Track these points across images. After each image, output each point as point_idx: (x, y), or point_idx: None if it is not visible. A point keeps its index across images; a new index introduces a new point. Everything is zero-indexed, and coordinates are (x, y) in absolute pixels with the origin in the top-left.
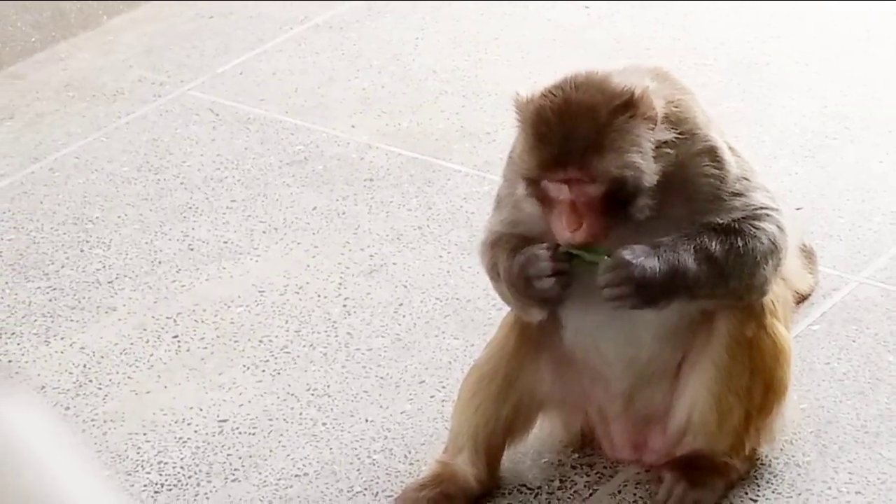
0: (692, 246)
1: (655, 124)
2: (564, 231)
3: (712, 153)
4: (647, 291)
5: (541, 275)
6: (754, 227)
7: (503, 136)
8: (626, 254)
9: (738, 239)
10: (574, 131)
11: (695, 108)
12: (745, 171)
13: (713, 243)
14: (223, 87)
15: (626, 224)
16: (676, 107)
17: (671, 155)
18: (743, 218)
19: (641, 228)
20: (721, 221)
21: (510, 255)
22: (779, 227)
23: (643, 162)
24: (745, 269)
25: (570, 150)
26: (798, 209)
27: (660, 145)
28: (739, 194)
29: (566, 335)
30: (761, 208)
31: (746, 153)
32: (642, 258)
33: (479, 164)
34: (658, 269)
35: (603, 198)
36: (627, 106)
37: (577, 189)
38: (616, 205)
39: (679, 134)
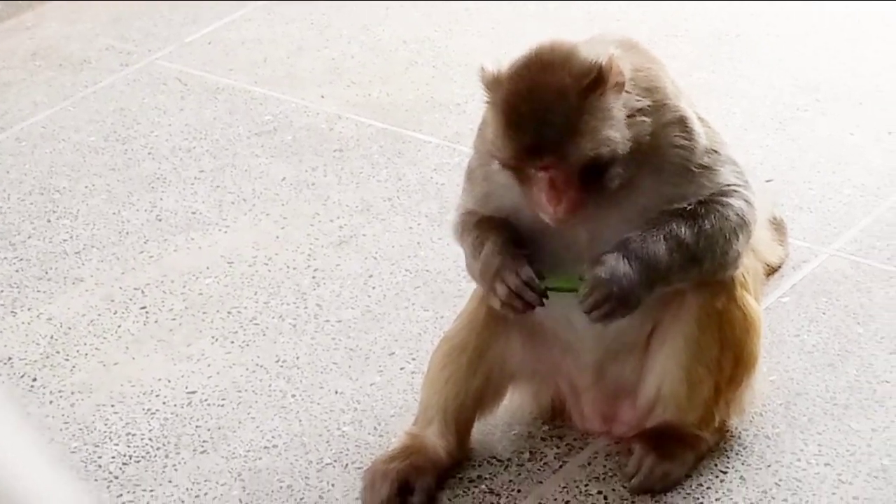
0: (661, 235)
1: (623, 90)
2: (546, 207)
3: (682, 124)
4: (629, 298)
5: (511, 304)
6: (721, 205)
7: (473, 107)
8: (601, 272)
9: (706, 220)
10: (546, 119)
11: (664, 78)
12: (714, 142)
13: (682, 229)
14: (191, 57)
15: (599, 193)
16: (646, 75)
17: (645, 123)
18: (710, 196)
19: (613, 200)
20: (688, 205)
21: (482, 239)
22: (746, 201)
23: (616, 134)
24: (716, 248)
25: (543, 139)
26: (768, 181)
27: (633, 113)
28: (708, 168)
29: (538, 312)
30: (728, 185)
31: (716, 125)
32: (617, 269)
33: (449, 135)
34: (634, 274)
35: (579, 173)
36: (596, 82)
37: (553, 171)
38: (592, 176)
39: (650, 103)
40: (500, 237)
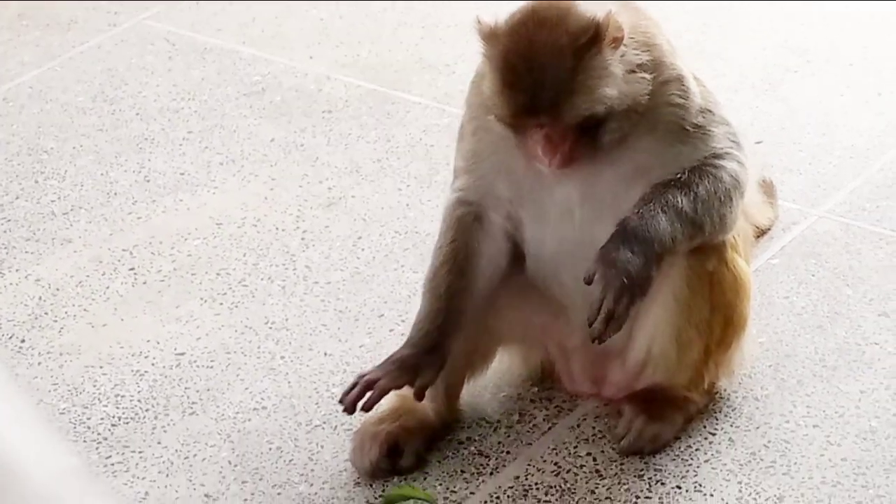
0: (658, 208)
1: (620, 45)
2: (543, 160)
3: (679, 82)
4: (643, 284)
5: (355, 391)
6: (714, 167)
7: (462, 68)
8: (607, 270)
9: (700, 186)
10: (543, 78)
11: (660, 36)
12: (708, 102)
13: (678, 198)
14: (179, 17)
15: (595, 147)
16: (644, 32)
17: (645, 80)
18: (704, 159)
19: (607, 156)
20: (680, 175)
21: (432, 288)
22: (739, 163)
23: (613, 91)
24: (713, 212)
25: (540, 98)
26: (758, 143)
27: (633, 69)
28: (701, 128)
29: (527, 266)
30: (721, 147)
31: (709, 84)
32: (622, 259)
33: (438, 96)
34: (639, 257)
35: (575, 129)
36: (594, 40)
37: (551, 127)
38: (588, 131)
39: (649, 59)
40: (432, 318)
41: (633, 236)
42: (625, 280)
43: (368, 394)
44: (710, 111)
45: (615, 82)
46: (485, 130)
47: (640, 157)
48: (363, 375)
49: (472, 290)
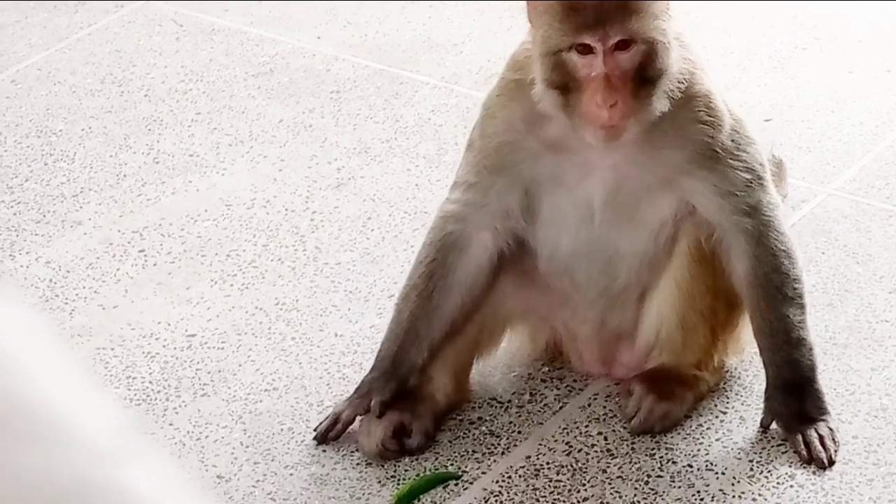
0: (783, 341)
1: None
2: (600, 110)
3: (707, 98)
4: (820, 402)
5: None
6: (770, 239)
7: (471, 48)
8: (794, 435)
9: (783, 283)
10: None
11: (694, 50)
12: (736, 121)
13: (784, 321)
14: None
15: (644, 114)
16: (679, 40)
17: (684, 66)
18: (755, 227)
19: (634, 161)
20: (752, 280)
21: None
22: (770, 193)
23: (670, 36)
24: (796, 271)
25: (608, 8)
26: (767, 120)
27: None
28: (731, 153)
29: (541, 264)
30: (753, 181)
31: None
32: (793, 407)
33: (446, 76)
34: (807, 400)
35: (634, 75)
36: None
37: (612, 61)
38: (643, 86)
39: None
40: (391, 341)
41: (791, 387)
42: (814, 428)
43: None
44: (737, 132)
45: (671, 28)
46: (509, 145)
47: (667, 170)
48: (336, 411)
49: (439, 314)
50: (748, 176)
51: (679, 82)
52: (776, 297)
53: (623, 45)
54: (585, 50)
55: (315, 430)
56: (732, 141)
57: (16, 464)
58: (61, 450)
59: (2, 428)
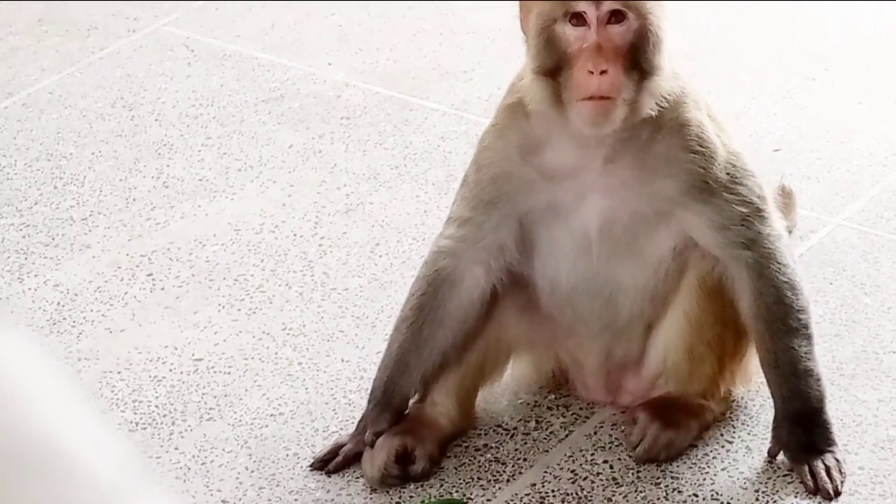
0: (791, 369)
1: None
2: (590, 78)
3: (699, 128)
4: (827, 430)
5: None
6: (772, 270)
7: (480, 75)
8: (801, 466)
9: (788, 310)
10: None
11: (689, 84)
12: (730, 153)
13: (790, 352)
14: (198, 23)
15: (637, 96)
16: (675, 70)
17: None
18: (757, 259)
19: (628, 188)
20: (758, 300)
21: (399, 340)
22: (771, 229)
23: (665, 28)
24: (802, 305)
25: None
26: (776, 150)
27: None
28: (726, 187)
29: (542, 297)
30: (751, 215)
31: (727, 93)
32: (802, 439)
33: (456, 103)
34: (814, 430)
35: (626, 54)
36: None
37: (605, 32)
38: (633, 73)
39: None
40: (381, 371)
41: (803, 417)
42: (821, 459)
43: (336, 459)
44: (733, 164)
45: (665, 18)
46: (504, 176)
47: (661, 201)
48: (339, 441)
49: (430, 347)
50: (745, 209)
51: (670, 97)
52: (780, 329)
53: (617, 17)
54: (579, 22)
55: (313, 462)
56: (728, 174)
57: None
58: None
59: (10, 462)
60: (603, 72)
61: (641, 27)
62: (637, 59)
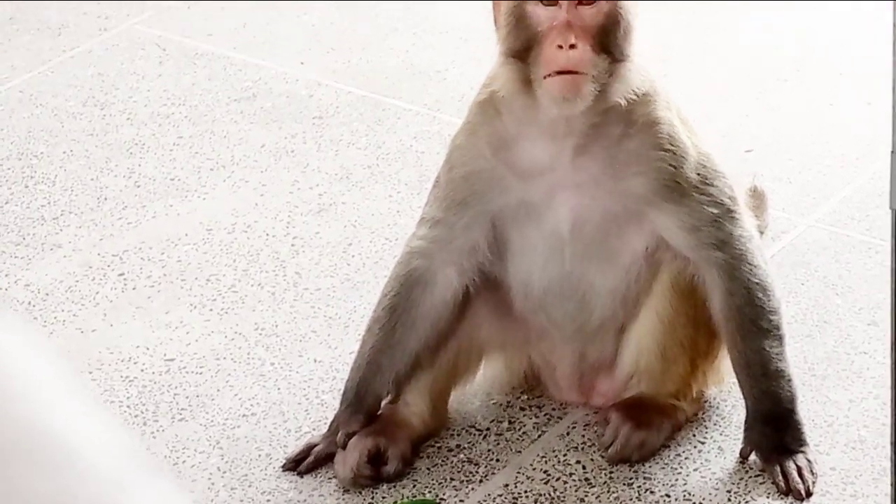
0: (763, 369)
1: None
2: (559, 52)
3: (670, 127)
4: (798, 432)
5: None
6: (743, 272)
7: (454, 75)
8: (773, 466)
9: (759, 312)
10: None
11: (660, 87)
12: (701, 154)
13: (761, 353)
14: (170, 22)
15: (603, 89)
16: (645, 69)
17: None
18: (726, 260)
19: (600, 187)
20: (728, 310)
21: (370, 345)
22: (743, 230)
23: (635, 17)
24: (774, 306)
25: None
26: (748, 151)
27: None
28: (697, 188)
29: (515, 299)
30: (723, 216)
31: (699, 93)
32: (774, 440)
33: (429, 103)
34: (787, 424)
35: (596, 35)
36: None
37: (574, 12)
38: (602, 57)
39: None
40: (354, 372)
41: (773, 417)
42: (793, 459)
43: (308, 459)
44: (704, 165)
45: (635, 7)
46: (476, 175)
47: (633, 201)
48: (311, 442)
49: (402, 347)
50: (716, 210)
51: (640, 92)
52: (751, 329)
53: None
54: (549, 2)
55: (285, 462)
56: (698, 174)
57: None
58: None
59: (17, 454)
60: (572, 46)
61: (612, 11)
62: (606, 43)
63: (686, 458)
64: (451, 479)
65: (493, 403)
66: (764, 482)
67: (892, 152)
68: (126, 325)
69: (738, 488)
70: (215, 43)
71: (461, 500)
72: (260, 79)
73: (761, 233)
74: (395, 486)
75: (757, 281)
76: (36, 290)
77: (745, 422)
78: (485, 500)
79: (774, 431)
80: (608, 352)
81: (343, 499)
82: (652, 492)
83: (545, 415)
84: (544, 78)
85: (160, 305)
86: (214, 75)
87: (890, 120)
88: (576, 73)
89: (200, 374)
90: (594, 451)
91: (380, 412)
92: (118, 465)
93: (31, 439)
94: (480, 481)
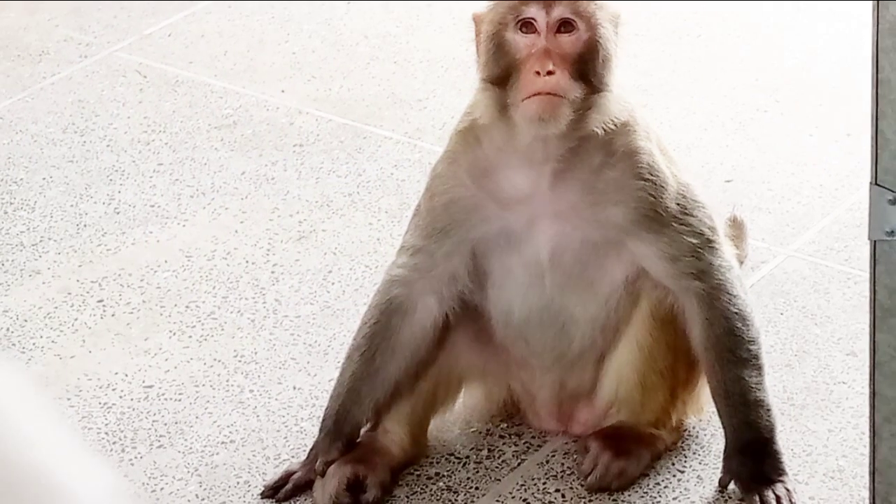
0: (739, 402)
1: (618, 23)
2: (537, 78)
3: (650, 157)
4: (777, 462)
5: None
6: (725, 303)
7: (434, 104)
8: (752, 495)
9: (740, 345)
10: None
11: (640, 117)
12: (681, 184)
13: (740, 383)
14: (151, 49)
15: (580, 116)
16: (625, 99)
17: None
18: (708, 291)
19: (578, 216)
20: (714, 344)
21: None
22: (723, 262)
23: (612, 48)
24: (751, 328)
25: None
26: (728, 181)
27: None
28: (677, 218)
29: (495, 328)
30: (703, 246)
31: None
32: (754, 469)
33: (409, 132)
34: (765, 461)
35: (575, 63)
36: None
37: (553, 39)
38: (580, 84)
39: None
40: (333, 399)
41: (754, 447)
42: (772, 489)
43: (286, 487)
44: (683, 195)
45: (615, 39)
46: (456, 203)
47: (612, 230)
48: (289, 469)
49: (382, 375)
50: (695, 240)
51: (619, 121)
52: (730, 359)
53: (566, 26)
54: (529, 29)
55: (265, 485)
56: (678, 205)
57: None
58: None
59: (6, 494)
60: (549, 72)
61: (591, 39)
62: (585, 71)
63: (665, 487)
64: None
65: (473, 431)
66: None
67: (871, 183)
68: (105, 352)
69: None
70: (196, 70)
71: None
72: (240, 106)
73: (741, 262)
74: None
75: (736, 311)
76: (14, 316)
77: (725, 451)
78: None
79: (754, 461)
80: (588, 380)
81: None
82: None
83: (525, 443)
84: (522, 101)
85: (139, 332)
86: (195, 102)
87: (869, 151)
88: (553, 95)
89: (179, 400)
90: (574, 480)
91: (359, 440)
92: (99, 499)
93: (17, 478)
94: None
